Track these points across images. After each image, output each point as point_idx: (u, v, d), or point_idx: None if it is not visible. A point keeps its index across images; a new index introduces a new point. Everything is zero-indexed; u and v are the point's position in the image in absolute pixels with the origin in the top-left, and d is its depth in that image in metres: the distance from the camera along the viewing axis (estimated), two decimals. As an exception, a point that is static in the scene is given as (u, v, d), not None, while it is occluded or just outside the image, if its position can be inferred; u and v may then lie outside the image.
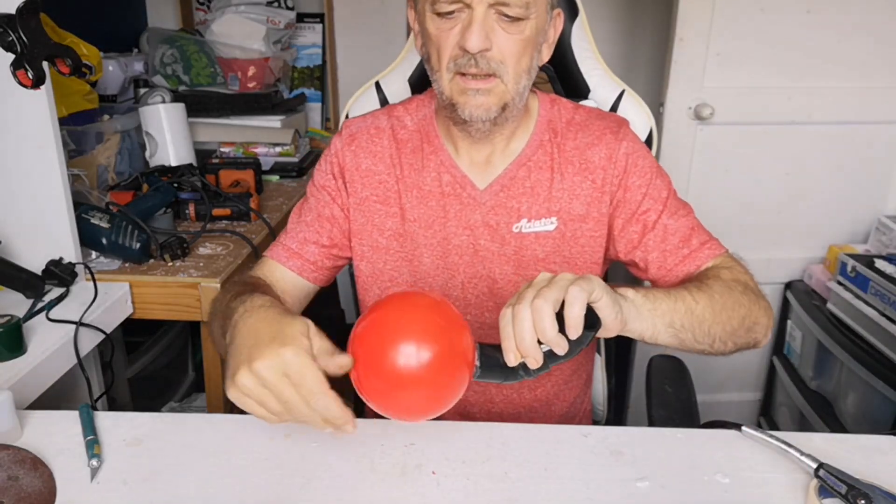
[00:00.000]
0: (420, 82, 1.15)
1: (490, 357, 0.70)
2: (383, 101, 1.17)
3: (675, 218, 0.94)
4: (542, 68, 1.16)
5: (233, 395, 0.67)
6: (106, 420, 0.82)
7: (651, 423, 1.05)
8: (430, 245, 0.96)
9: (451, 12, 0.83)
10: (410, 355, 0.66)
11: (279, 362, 0.65)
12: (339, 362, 0.69)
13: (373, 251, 0.98)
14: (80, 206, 1.26)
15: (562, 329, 0.67)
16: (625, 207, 0.94)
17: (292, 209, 1.04)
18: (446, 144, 0.96)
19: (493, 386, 0.99)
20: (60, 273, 1.16)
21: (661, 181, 0.95)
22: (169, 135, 1.70)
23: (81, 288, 1.19)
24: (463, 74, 0.85)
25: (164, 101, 1.73)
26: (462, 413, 0.99)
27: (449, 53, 0.85)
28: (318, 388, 0.65)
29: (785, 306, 2.06)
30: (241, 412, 0.80)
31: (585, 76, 1.15)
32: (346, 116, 1.20)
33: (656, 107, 1.89)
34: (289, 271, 0.97)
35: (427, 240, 0.96)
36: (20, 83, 0.94)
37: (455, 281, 0.97)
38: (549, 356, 0.68)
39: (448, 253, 0.96)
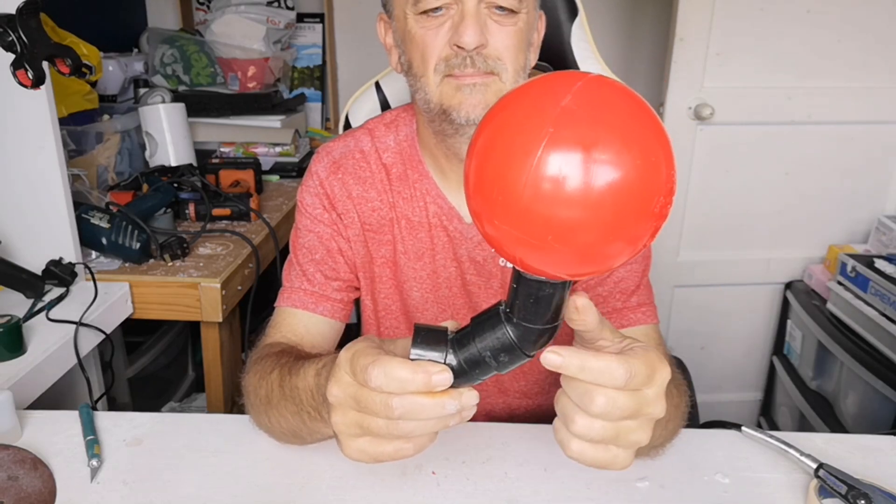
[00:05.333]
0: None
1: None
2: (383, 101, 1.17)
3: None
4: (541, 68, 1.17)
5: (349, 451, 0.57)
6: (106, 420, 0.82)
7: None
8: (420, 278, 0.92)
9: (438, 8, 0.75)
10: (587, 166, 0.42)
11: (337, 375, 0.56)
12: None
13: (371, 282, 0.93)
14: (80, 206, 1.26)
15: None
16: None
17: (289, 240, 0.93)
18: (431, 170, 0.89)
19: (495, 393, 0.98)
20: (60, 273, 1.16)
21: None
22: (169, 135, 1.70)
23: (81, 288, 1.19)
24: (455, 76, 0.76)
25: (164, 101, 1.73)
26: None
27: (437, 54, 0.76)
28: (372, 357, 0.53)
29: (785, 306, 2.06)
30: (241, 412, 0.81)
31: (585, 76, 1.15)
32: (346, 116, 1.20)
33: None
34: (319, 317, 0.87)
35: (416, 272, 0.91)
36: (20, 83, 0.95)
37: (445, 315, 0.94)
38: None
39: (438, 287, 0.92)
